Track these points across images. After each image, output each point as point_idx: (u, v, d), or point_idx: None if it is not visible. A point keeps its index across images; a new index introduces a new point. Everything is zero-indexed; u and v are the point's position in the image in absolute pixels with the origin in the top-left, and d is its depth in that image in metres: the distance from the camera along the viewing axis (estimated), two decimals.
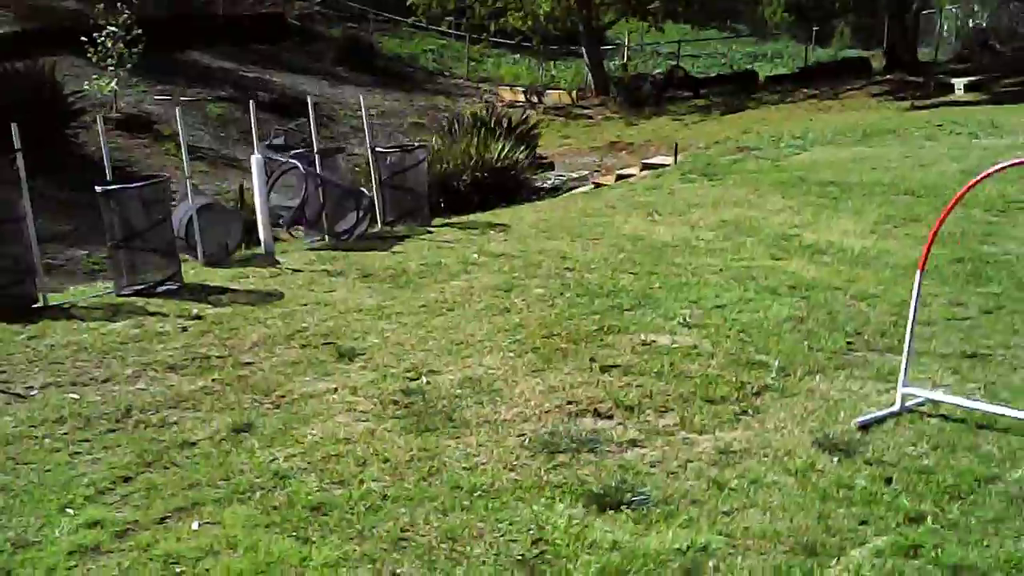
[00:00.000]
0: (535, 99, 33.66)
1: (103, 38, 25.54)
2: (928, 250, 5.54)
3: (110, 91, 25.50)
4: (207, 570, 4.00)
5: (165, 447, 5.28)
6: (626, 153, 25.32)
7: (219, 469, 4.98)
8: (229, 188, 23.38)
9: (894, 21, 27.66)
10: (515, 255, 9.23)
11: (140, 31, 25.70)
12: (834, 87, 28.39)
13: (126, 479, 4.94)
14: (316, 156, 10.11)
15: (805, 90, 28.97)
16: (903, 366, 5.57)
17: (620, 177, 19.16)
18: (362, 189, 10.33)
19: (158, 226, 8.18)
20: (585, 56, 33.80)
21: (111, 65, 25.52)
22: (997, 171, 5.62)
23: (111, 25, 25.50)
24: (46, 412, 5.75)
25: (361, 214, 9.97)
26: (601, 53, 33.95)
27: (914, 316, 5.61)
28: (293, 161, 9.91)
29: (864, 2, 31.16)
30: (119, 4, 25.59)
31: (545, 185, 21.86)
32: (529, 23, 31.59)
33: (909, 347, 5.60)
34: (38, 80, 22.39)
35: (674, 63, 38.78)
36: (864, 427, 5.37)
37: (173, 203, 9.39)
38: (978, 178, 5.62)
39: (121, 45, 25.40)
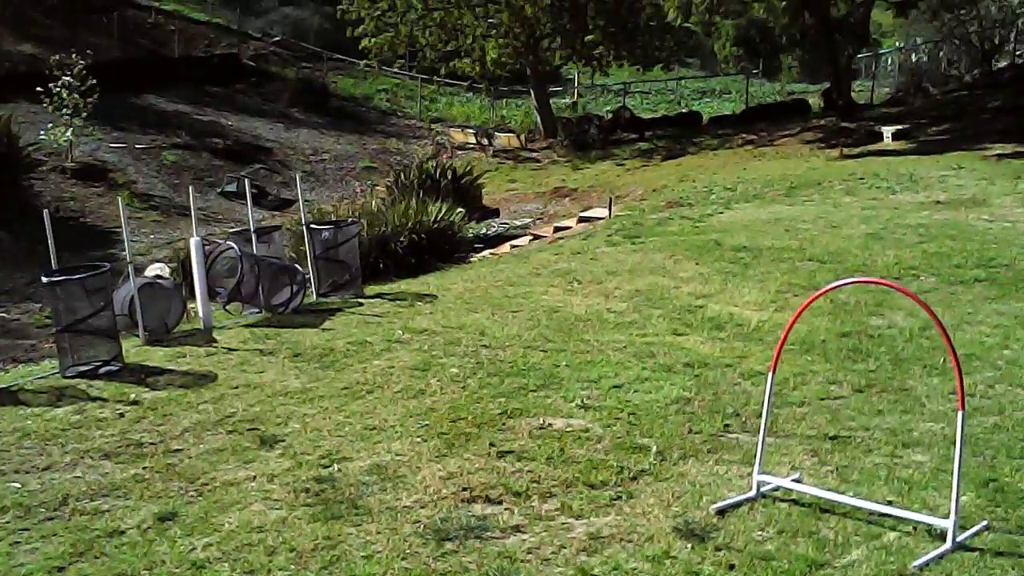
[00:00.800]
0: (485, 141, 34.48)
1: (58, 88, 26.04)
2: (780, 349, 6.26)
3: (65, 141, 26.00)
4: None
5: (96, 536, 5.89)
6: (569, 200, 26.14)
7: (143, 559, 5.60)
8: (182, 238, 23.93)
9: (830, 65, 28.70)
10: (437, 331, 9.91)
11: (95, 81, 26.24)
12: (771, 132, 29.39)
13: (60, 569, 5.55)
14: (252, 235, 10.72)
15: (744, 135, 29.95)
16: (758, 453, 6.30)
17: (558, 229, 19.95)
18: (296, 265, 10.97)
19: (101, 311, 8.77)
20: (533, 98, 34.68)
21: (66, 115, 26.01)
22: (830, 289, 6.37)
23: (66, 75, 25.98)
24: None
25: (296, 288, 10.62)
26: (548, 96, 34.84)
27: (767, 410, 6.34)
28: (230, 243, 10.53)
29: (806, 40, 32.06)
30: (74, 55, 26.11)
31: (489, 232, 22.62)
32: (478, 68, 32.41)
33: (763, 435, 6.32)
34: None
35: (620, 103, 39.82)
36: (721, 512, 6.07)
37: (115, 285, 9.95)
38: (812, 298, 6.37)
39: (76, 96, 25.88)
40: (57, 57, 26.28)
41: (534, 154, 32.82)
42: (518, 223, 23.60)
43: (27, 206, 23.93)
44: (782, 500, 6.22)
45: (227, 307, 10.68)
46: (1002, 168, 19.57)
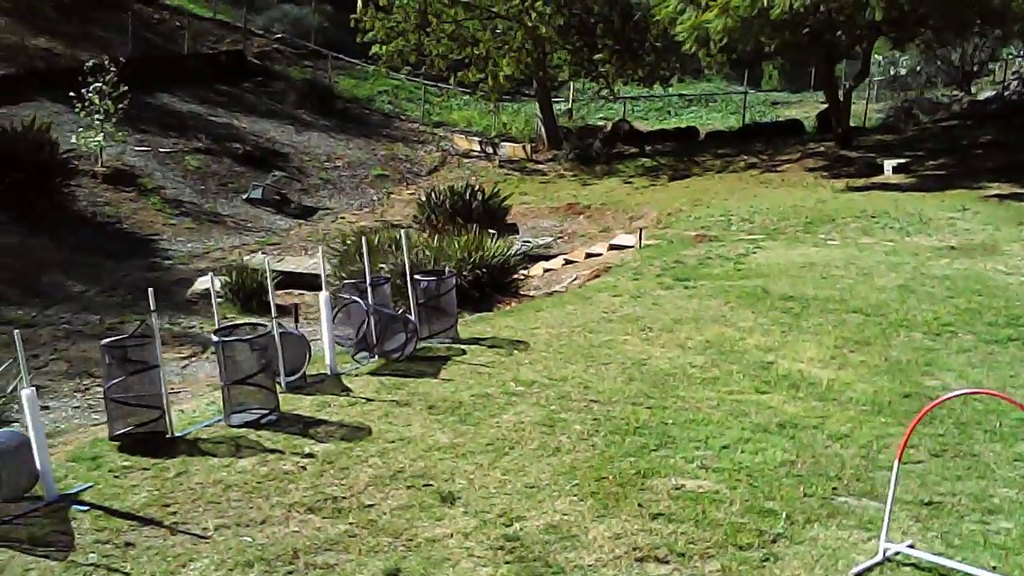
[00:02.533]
0: (490, 150, 35.53)
1: (90, 94, 26.76)
2: (905, 443, 7.50)
3: (95, 145, 26.74)
4: None
5: None
6: (583, 218, 27.32)
7: None
8: (218, 247, 24.86)
9: (830, 93, 30.06)
10: (545, 383, 11.06)
11: (126, 88, 27.02)
12: (772, 156, 30.75)
13: None
14: (368, 288, 11.77)
15: (744, 156, 31.29)
16: (885, 521, 7.52)
17: (589, 255, 21.13)
18: (408, 315, 12.05)
19: (265, 369, 9.83)
20: (538, 110, 35.79)
21: (98, 120, 26.74)
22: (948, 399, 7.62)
23: (98, 80, 26.70)
24: (233, 555, 7.44)
25: (408, 336, 11.72)
26: (553, 108, 35.94)
27: (894, 482, 7.57)
28: (356, 299, 11.57)
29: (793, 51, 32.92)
30: (106, 60, 26.85)
31: (515, 251, 23.73)
32: (491, 82, 33.48)
33: (890, 505, 7.54)
34: (37, 139, 23.62)
35: (617, 115, 41.02)
36: None
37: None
38: (934, 403, 7.61)
39: (108, 101, 26.62)
40: (91, 63, 27.00)
41: (540, 166, 33.94)
42: (540, 241, 24.71)
43: (66, 211, 24.76)
44: (904, 564, 7.44)
45: (355, 356, 11.73)
46: (1004, 211, 21.01)
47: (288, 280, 21.72)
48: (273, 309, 11.24)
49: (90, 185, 26.13)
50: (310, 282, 22.17)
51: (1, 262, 21.83)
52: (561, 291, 16.74)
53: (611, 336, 12.95)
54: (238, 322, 10.78)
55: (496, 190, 23.81)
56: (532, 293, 17.31)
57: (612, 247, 20.95)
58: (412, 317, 12.14)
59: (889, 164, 25.87)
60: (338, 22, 48.18)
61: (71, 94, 26.90)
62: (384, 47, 34.86)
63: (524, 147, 35.08)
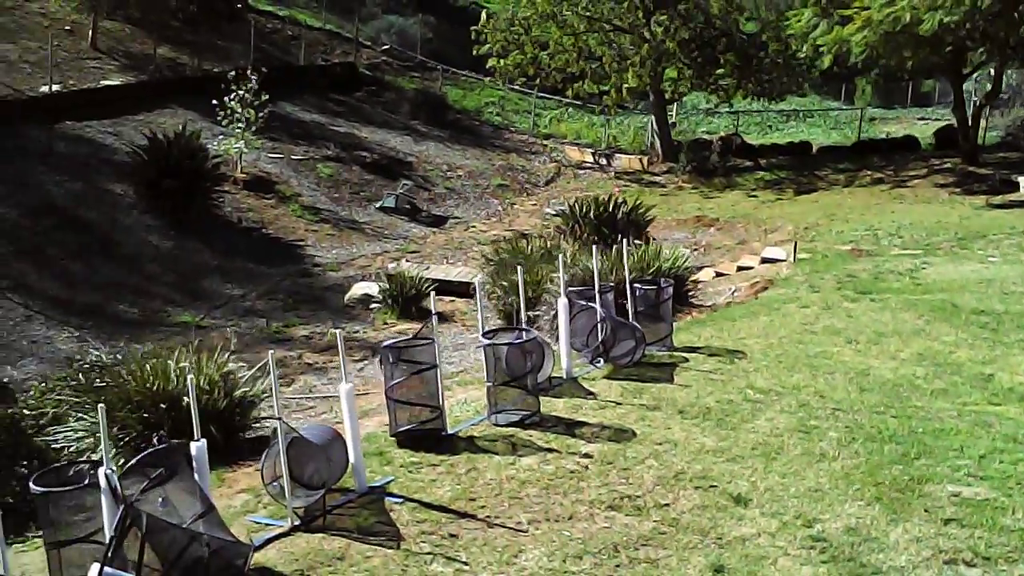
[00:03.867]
0: (604, 162, 35.87)
1: (232, 102, 27.48)
2: None
3: (235, 152, 27.45)
4: None
5: None
6: (715, 230, 27.53)
7: None
8: (361, 253, 25.39)
9: (959, 110, 30.02)
10: (780, 391, 11.33)
11: (267, 97, 27.72)
12: (896, 171, 30.75)
13: None
14: (597, 296, 12.11)
15: (867, 172, 31.34)
16: None
17: (741, 268, 21.35)
18: (635, 323, 12.38)
19: (531, 372, 10.20)
20: (654, 123, 36.09)
21: (239, 127, 27.45)
22: None
23: (240, 90, 27.42)
24: (558, 547, 7.78)
25: (636, 344, 12.06)
26: (668, 119, 36.19)
27: None
28: (594, 305, 11.93)
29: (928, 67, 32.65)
30: (250, 72, 27.57)
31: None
32: (613, 94, 33.85)
33: None
34: (189, 147, 24.32)
35: (721, 130, 41.11)
36: None
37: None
38: None
39: (250, 110, 27.33)
40: (233, 72, 27.73)
41: (657, 178, 34.21)
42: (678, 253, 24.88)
43: (214, 217, 25.48)
44: None
45: (593, 362, 12.08)
46: None
47: (440, 288, 22.16)
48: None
49: (232, 191, 26.83)
50: (458, 290, 22.68)
51: (162, 266, 22.57)
52: (738, 301, 16.95)
53: (822, 347, 13.18)
54: (496, 327, 11.08)
55: (638, 202, 24.07)
56: (706, 303, 17.57)
57: (764, 260, 21.15)
58: (617, 319, 12.45)
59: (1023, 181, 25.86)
60: (440, 33, 49.00)
61: (214, 102, 27.63)
62: (502, 60, 35.34)
63: (641, 159, 35.35)
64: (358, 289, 21.98)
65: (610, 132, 39.20)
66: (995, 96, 30.58)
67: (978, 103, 30.32)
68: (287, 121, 33.49)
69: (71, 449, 10.83)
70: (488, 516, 8.33)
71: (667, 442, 9.83)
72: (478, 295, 11.50)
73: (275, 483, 8.21)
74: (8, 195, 23.03)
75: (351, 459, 8.69)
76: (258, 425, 11.36)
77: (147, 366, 10.84)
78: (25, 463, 10.26)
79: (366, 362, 18.49)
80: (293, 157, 30.28)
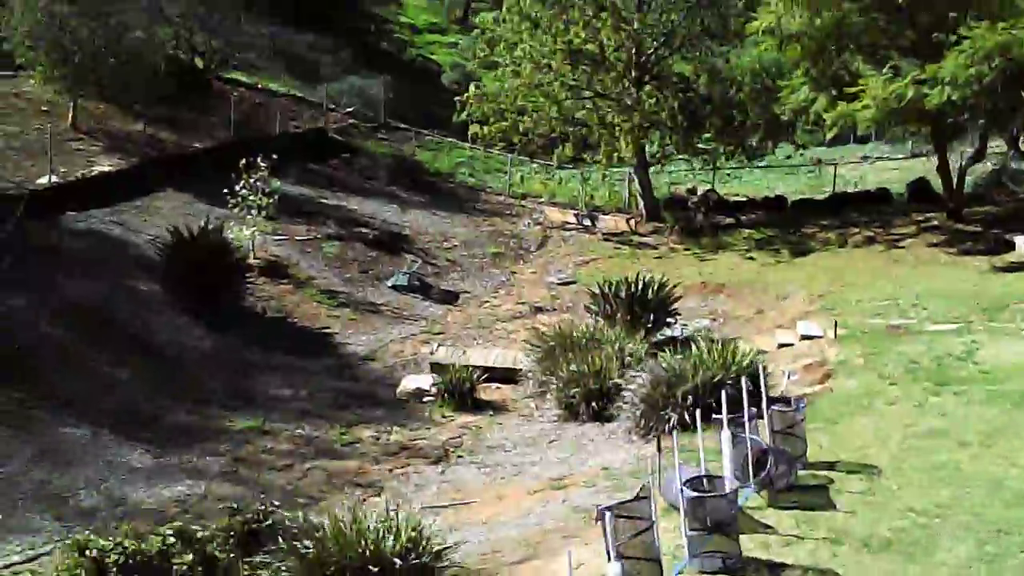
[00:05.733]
0: (588, 223, 36.47)
1: (242, 189, 27.53)
2: None
3: (248, 239, 27.47)
4: None
5: None
6: (724, 296, 28.29)
7: None
8: (389, 339, 25.54)
9: (944, 170, 31.30)
10: (938, 513, 11.95)
11: (279, 183, 27.82)
12: (885, 229, 31.85)
13: None
14: (746, 423, 12.62)
15: (855, 229, 32.38)
16: None
17: (782, 345, 22.07)
18: (786, 448, 12.90)
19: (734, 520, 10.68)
20: (636, 183, 36.83)
21: (252, 215, 27.50)
22: None
23: (251, 177, 27.47)
24: None
25: (788, 468, 12.60)
26: (650, 179, 36.96)
27: None
28: (755, 438, 12.43)
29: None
30: (260, 160, 27.64)
31: (677, 335, 24.48)
32: (604, 161, 34.61)
33: None
34: (218, 243, 24.34)
35: (689, 184, 41.83)
36: None
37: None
38: None
39: (263, 196, 27.40)
40: (244, 161, 27.73)
41: (646, 239, 34.84)
42: (699, 324, 25.60)
43: (241, 309, 25.49)
44: None
45: (758, 491, 12.57)
46: None
47: (485, 375, 22.54)
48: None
49: (250, 279, 26.78)
50: (502, 376, 23.06)
51: (206, 367, 22.55)
52: (809, 392, 17.44)
53: (940, 455, 13.83)
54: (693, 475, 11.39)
55: (665, 279, 24.69)
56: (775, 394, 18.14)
57: (803, 337, 21.86)
58: (772, 446, 12.97)
59: (1020, 240, 27.02)
60: (399, 92, 49.24)
61: (224, 191, 27.63)
62: (484, 127, 35.87)
63: (628, 221, 36.00)
64: (409, 383, 22.23)
65: (587, 191, 39.39)
66: (981, 158, 32.01)
67: (963, 165, 31.66)
68: (277, 196, 33.39)
69: None
70: None
71: None
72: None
73: None
74: (33, 300, 22.70)
75: None
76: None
77: (347, 529, 11.05)
78: None
79: (443, 464, 18.81)
80: (297, 238, 30.34)
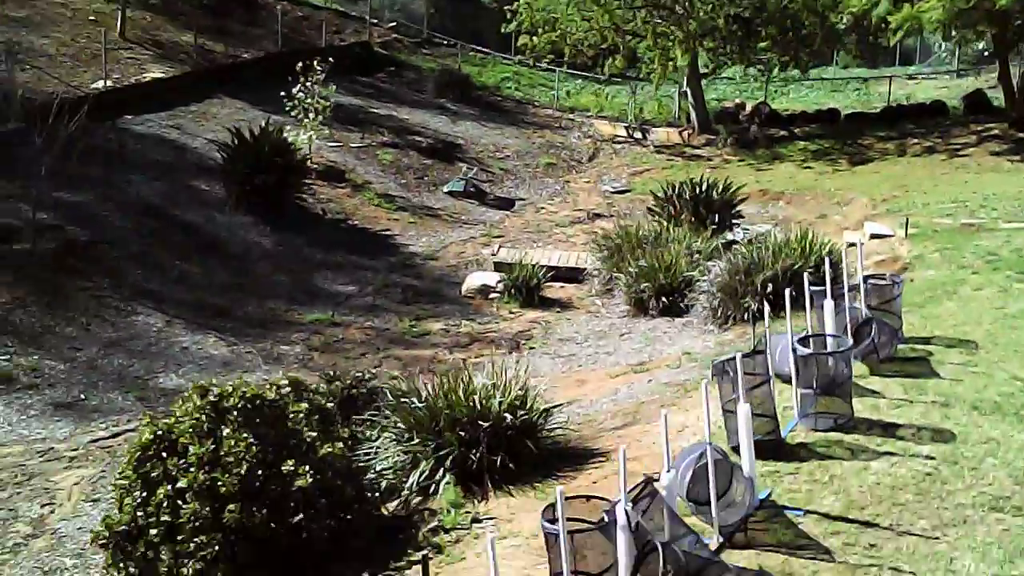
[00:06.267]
0: (639, 135, 36.13)
1: (299, 92, 27.37)
2: None
3: (304, 143, 27.36)
4: None
5: None
6: (784, 203, 28.05)
7: None
8: (450, 240, 25.51)
9: (1005, 79, 30.81)
10: None
11: (335, 86, 27.63)
12: (945, 139, 31.46)
13: None
14: (846, 294, 12.51)
15: (914, 140, 31.99)
16: None
17: (851, 244, 21.81)
18: (886, 321, 12.79)
19: (848, 379, 10.62)
20: (689, 96, 36.43)
21: (311, 118, 27.37)
22: None
23: (308, 80, 27.29)
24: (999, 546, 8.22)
25: (889, 339, 12.53)
26: (703, 91, 36.57)
27: None
28: (858, 306, 12.33)
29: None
30: (318, 63, 27.42)
31: (739, 238, 24.33)
32: (659, 71, 34.13)
33: None
34: (278, 143, 24.24)
35: (736, 98, 41.39)
36: None
37: None
38: None
39: (321, 100, 27.23)
40: (301, 64, 27.53)
41: (698, 151, 34.57)
42: (761, 229, 25.35)
43: (302, 211, 25.45)
44: None
45: (861, 360, 12.48)
46: None
47: (550, 275, 22.46)
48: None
49: (310, 183, 26.72)
50: (566, 276, 22.99)
51: (271, 264, 22.57)
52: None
53: None
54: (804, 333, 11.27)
55: (728, 182, 24.50)
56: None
57: (873, 236, 21.63)
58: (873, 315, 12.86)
59: None
60: (440, 7, 48.81)
61: (281, 93, 27.49)
62: (534, 38, 35.48)
63: (681, 133, 35.70)
64: (475, 280, 22.18)
65: (636, 104, 39.02)
66: None
67: (1023, 73, 31.17)
68: (332, 107, 33.23)
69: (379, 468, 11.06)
70: (891, 524, 8.75)
71: (990, 440, 10.29)
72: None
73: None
74: (102, 198, 22.80)
75: (746, 473, 9.01)
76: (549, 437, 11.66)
77: (460, 388, 11.07)
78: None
79: (515, 354, 18.76)
80: (352, 145, 30.20)
